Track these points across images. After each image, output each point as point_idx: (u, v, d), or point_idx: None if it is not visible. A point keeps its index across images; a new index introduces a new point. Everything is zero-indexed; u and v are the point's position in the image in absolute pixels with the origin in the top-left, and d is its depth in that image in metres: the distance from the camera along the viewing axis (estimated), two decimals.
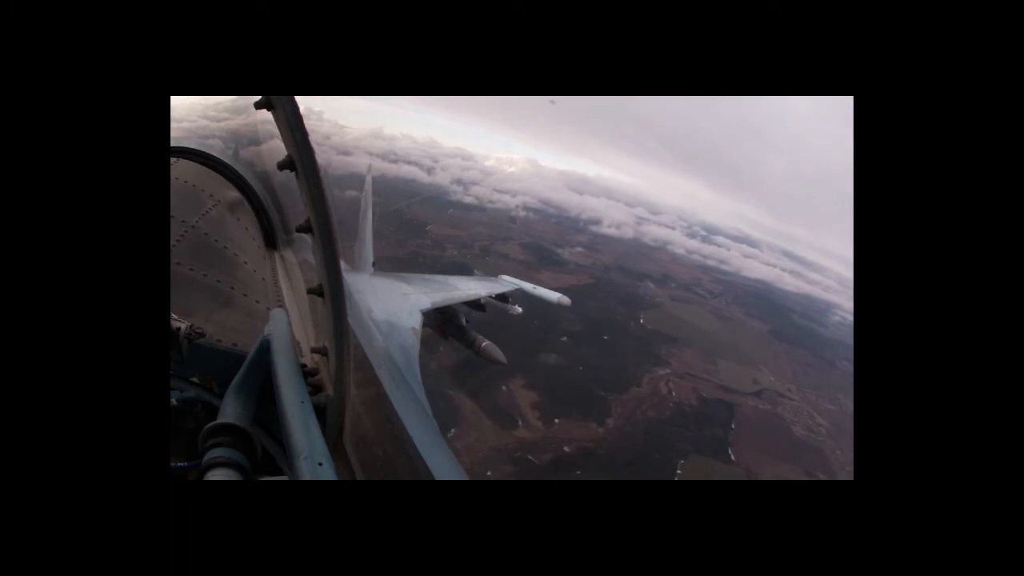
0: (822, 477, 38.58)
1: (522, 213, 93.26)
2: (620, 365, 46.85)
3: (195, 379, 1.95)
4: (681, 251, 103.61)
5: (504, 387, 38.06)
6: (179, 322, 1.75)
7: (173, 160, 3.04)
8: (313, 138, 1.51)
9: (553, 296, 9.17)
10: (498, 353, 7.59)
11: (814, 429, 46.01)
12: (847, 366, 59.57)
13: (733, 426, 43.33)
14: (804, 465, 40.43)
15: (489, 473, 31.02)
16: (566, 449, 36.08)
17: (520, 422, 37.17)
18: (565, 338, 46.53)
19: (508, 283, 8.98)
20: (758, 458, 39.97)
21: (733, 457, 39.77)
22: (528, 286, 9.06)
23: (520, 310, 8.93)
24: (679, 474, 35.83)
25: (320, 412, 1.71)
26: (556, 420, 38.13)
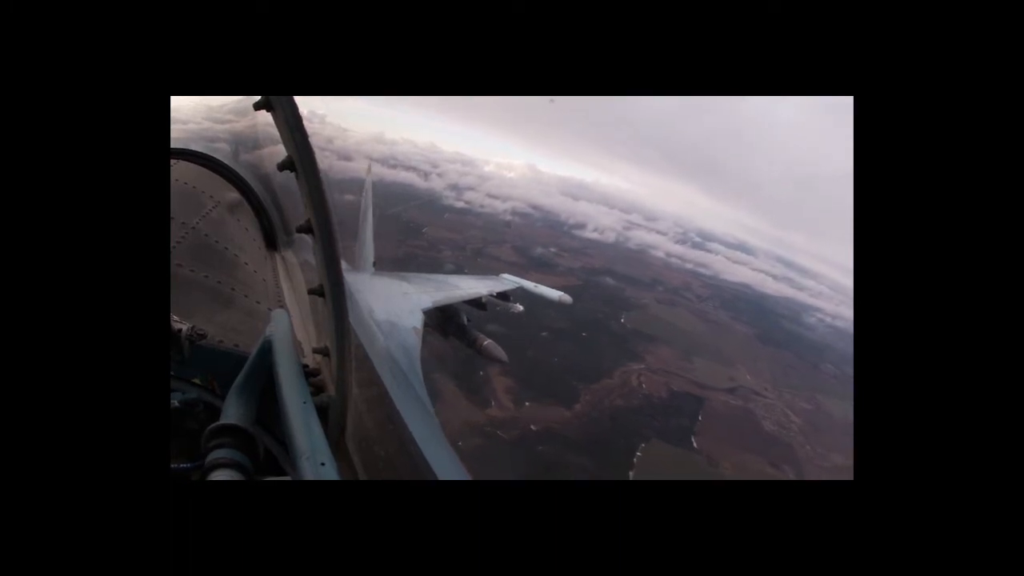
0: (787, 468, 39.42)
1: (509, 217, 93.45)
2: (595, 360, 47.23)
3: (197, 380, 1.89)
4: (663, 255, 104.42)
5: (481, 372, 38.81)
6: (180, 323, 1.69)
7: (173, 161, 2.96)
8: (315, 142, 1.46)
9: (554, 295, 8.79)
10: (499, 352, 7.41)
11: (785, 425, 46.21)
12: (831, 368, 60.30)
13: (700, 418, 43.75)
14: (770, 457, 40.87)
15: (460, 443, 31.58)
16: (533, 428, 37.14)
17: (493, 402, 38.24)
18: (545, 333, 46.90)
19: (509, 282, 8.66)
20: (721, 448, 40.46)
21: (695, 445, 40.26)
22: (529, 284, 8.71)
23: (521, 308, 8.59)
24: (639, 455, 36.85)
25: (322, 412, 1.66)
26: (526, 403, 39.17)
